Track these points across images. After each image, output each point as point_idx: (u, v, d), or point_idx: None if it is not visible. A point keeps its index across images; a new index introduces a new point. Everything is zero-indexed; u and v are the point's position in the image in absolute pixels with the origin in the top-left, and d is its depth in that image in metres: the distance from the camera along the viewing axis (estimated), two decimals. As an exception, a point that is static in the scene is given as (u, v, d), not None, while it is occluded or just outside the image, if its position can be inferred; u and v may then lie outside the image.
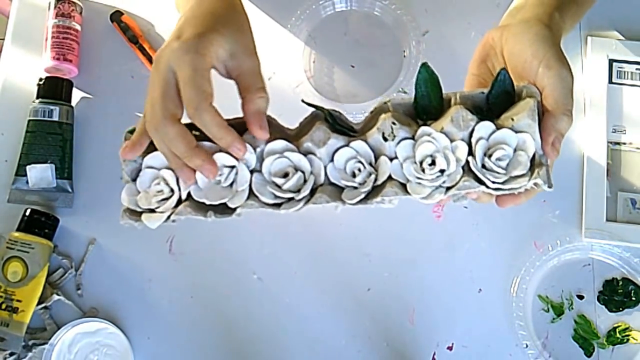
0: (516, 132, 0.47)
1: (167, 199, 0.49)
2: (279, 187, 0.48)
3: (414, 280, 0.67)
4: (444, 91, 0.50)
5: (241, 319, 0.66)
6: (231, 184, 0.49)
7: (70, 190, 0.69)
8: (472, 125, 0.47)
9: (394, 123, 0.48)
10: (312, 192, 0.48)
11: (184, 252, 0.66)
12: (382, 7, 0.73)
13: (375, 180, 0.48)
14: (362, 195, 0.48)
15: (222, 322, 0.66)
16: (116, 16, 0.73)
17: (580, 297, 0.67)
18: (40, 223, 0.66)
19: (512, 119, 0.48)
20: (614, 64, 0.72)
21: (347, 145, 0.49)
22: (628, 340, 0.65)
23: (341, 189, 0.49)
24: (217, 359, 0.66)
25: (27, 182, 0.68)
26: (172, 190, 0.49)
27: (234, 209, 0.49)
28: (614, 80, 0.72)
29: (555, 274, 0.67)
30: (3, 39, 0.75)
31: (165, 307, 0.67)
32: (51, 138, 0.68)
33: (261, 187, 0.48)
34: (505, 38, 0.53)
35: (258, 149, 0.49)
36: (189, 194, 0.49)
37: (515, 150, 0.48)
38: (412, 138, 0.49)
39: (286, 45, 0.71)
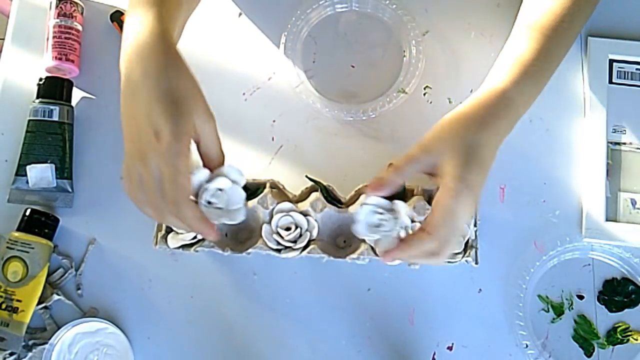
0: None
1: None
2: (282, 237, 0.63)
3: (414, 280, 0.67)
4: (406, 183, 0.64)
5: (241, 319, 0.66)
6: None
7: (70, 190, 0.69)
8: (427, 212, 0.62)
9: None
10: (307, 244, 0.63)
11: (184, 252, 0.66)
12: (382, 7, 0.73)
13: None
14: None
15: (222, 322, 0.66)
16: (116, 16, 0.73)
17: (580, 297, 0.67)
18: (40, 223, 0.66)
19: None
20: (614, 64, 0.72)
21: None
22: (628, 340, 0.65)
23: (327, 244, 0.65)
24: (217, 359, 0.66)
25: (27, 182, 0.68)
26: None
27: (247, 248, 0.63)
28: (614, 80, 0.72)
29: (555, 274, 0.67)
30: (3, 39, 0.75)
31: (165, 307, 0.67)
32: (51, 138, 0.68)
33: (269, 235, 0.63)
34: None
35: (270, 207, 0.63)
36: None
37: None
38: None
39: (286, 45, 0.71)
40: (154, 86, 0.49)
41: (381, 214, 0.55)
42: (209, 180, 0.53)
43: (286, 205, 0.64)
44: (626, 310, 0.66)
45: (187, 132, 0.49)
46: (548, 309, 0.67)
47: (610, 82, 0.72)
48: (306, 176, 0.66)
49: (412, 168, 0.55)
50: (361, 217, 0.56)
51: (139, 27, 0.51)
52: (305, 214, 0.64)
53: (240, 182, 0.54)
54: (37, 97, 0.69)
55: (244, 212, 0.55)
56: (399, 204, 0.55)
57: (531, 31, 0.59)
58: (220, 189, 0.53)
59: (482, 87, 0.59)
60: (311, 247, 0.63)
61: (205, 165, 0.53)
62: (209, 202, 0.53)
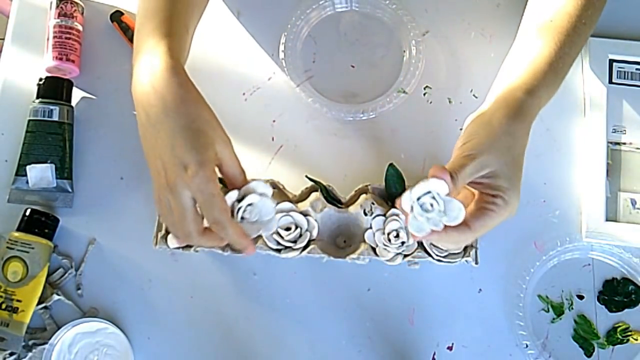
0: None
1: None
2: (282, 237, 0.63)
3: (414, 280, 0.67)
4: (406, 183, 0.65)
5: (241, 319, 0.66)
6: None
7: (70, 190, 0.69)
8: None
9: (373, 203, 0.64)
10: (307, 244, 0.63)
11: (184, 252, 0.66)
12: (382, 7, 0.73)
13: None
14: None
15: (222, 322, 0.66)
16: (116, 16, 0.73)
17: (580, 297, 0.67)
18: (40, 223, 0.66)
19: None
20: (614, 64, 0.72)
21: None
22: (628, 340, 0.65)
23: (327, 244, 0.65)
24: (217, 359, 0.66)
25: (27, 182, 0.68)
26: None
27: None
28: (614, 80, 0.72)
29: (555, 274, 0.67)
30: (3, 39, 0.75)
31: (165, 307, 0.67)
32: (51, 138, 0.68)
33: (269, 235, 0.63)
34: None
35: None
36: None
37: None
38: (384, 215, 0.64)
39: (286, 45, 0.71)
40: (175, 121, 0.51)
41: (434, 199, 0.52)
42: (239, 199, 0.54)
43: (286, 205, 0.64)
44: (626, 310, 0.66)
45: (211, 159, 0.51)
46: (548, 309, 0.67)
47: (610, 82, 0.72)
48: (306, 176, 0.66)
49: (464, 179, 0.53)
50: (415, 191, 0.52)
51: (152, 61, 0.53)
52: (305, 214, 0.64)
53: (268, 194, 0.56)
54: (37, 97, 0.69)
55: (276, 221, 0.58)
56: (458, 205, 0.52)
57: (549, 31, 0.59)
58: (251, 204, 0.55)
59: (503, 85, 0.58)
60: (311, 247, 0.63)
61: (230, 185, 0.55)
62: (242, 218, 0.55)
